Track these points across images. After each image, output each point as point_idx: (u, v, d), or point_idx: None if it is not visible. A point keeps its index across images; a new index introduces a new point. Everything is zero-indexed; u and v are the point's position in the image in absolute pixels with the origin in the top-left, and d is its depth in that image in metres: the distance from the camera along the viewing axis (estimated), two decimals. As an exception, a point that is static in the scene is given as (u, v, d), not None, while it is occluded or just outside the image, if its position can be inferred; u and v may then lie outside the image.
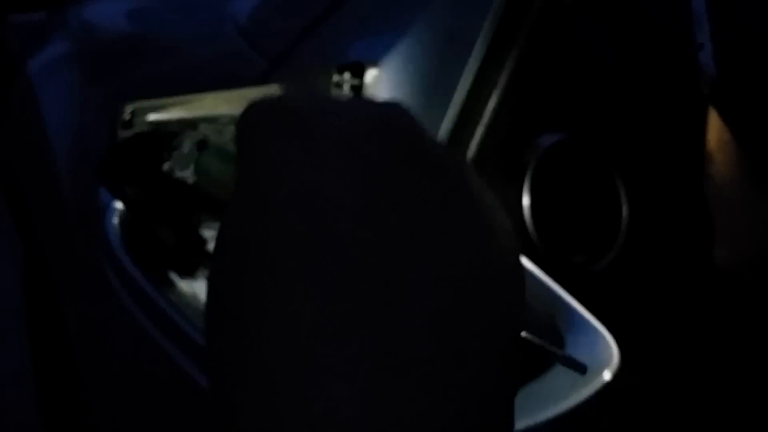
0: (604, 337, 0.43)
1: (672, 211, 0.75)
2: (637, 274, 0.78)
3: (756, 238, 0.50)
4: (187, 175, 0.59)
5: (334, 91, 0.66)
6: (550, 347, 0.37)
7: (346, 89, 0.67)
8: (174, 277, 0.58)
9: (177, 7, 1.07)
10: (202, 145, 0.59)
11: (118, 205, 0.70)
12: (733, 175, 0.49)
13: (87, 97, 1.15)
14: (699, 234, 0.58)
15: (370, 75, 0.67)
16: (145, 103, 0.56)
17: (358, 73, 0.67)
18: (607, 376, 0.41)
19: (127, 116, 0.55)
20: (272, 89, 0.66)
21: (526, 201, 0.79)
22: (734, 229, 0.51)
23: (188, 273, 0.49)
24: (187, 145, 0.57)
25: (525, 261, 0.49)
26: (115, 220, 0.70)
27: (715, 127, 0.50)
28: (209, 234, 0.50)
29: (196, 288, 0.41)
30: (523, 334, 0.35)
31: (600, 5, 0.76)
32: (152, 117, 0.57)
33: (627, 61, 0.76)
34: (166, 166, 0.55)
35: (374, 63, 0.68)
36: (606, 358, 0.42)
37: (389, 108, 0.23)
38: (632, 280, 0.77)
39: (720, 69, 0.43)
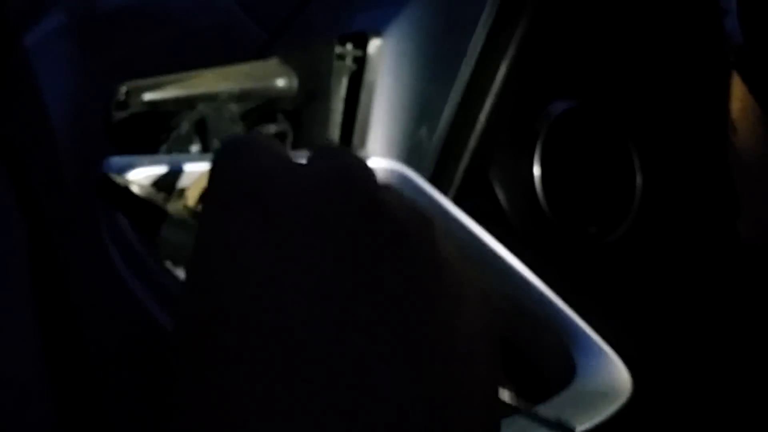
0: (616, 364, 0.41)
1: (691, 181, 0.72)
2: (653, 246, 0.76)
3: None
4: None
5: (337, 63, 0.64)
6: (536, 413, 0.35)
7: (349, 61, 0.64)
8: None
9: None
10: (200, 125, 0.56)
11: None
12: (757, 145, 0.47)
13: (85, 68, 1.13)
14: (721, 206, 0.56)
15: (373, 46, 0.64)
16: (141, 83, 0.54)
17: (361, 44, 0.64)
18: (618, 404, 0.40)
19: (122, 96, 0.53)
20: (272, 63, 0.64)
21: (536, 171, 0.76)
22: (759, 201, 0.49)
23: None
24: (184, 126, 0.55)
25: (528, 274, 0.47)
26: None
27: (739, 95, 0.47)
28: None
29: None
30: (508, 399, 0.34)
31: None
32: (148, 96, 0.54)
33: (644, 25, 0.73)
34: (162, 149, 0.53)
35: (377, 33, 0.65)
36: (618, 387, 0.40)
37: (348, 171, 0.22)
38: (648, 253, 0.75)
39: (746, 36, 0.40)
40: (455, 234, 0.49)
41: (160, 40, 0.97)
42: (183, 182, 0.42)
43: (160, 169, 0.41)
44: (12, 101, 1.33)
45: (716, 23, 0.41)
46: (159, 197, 0.38)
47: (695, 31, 0.61)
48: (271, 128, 0.63)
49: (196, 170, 0.42)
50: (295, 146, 0.64)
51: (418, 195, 0.52)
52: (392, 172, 0.53)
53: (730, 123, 0.48)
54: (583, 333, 0.42)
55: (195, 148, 0.56)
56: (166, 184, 0.42)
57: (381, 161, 0.54)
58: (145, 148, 0.54)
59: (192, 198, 0.41)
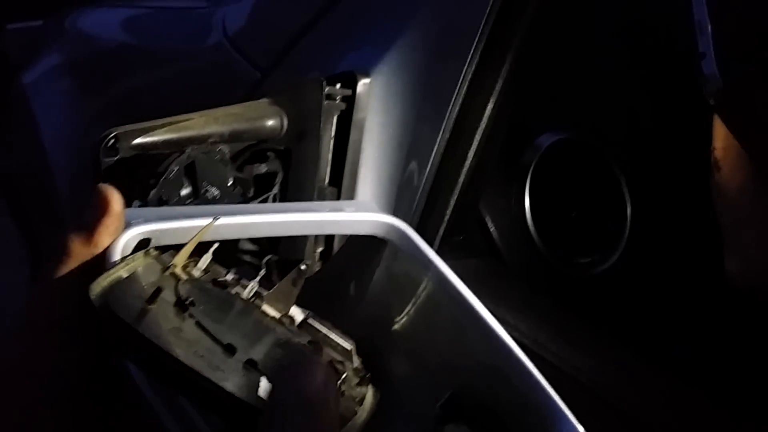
0: None
1: (679, 214, 0.73)
2: (643, 275, 0.76)
3: (766, 250, 0.48)
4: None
5: (326, 103, 0.64)
6: None
7: (338, 100, 0.65)
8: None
9: (170, 17, 1.06)
10: (190, 168, 0.57)
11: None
12: (740, 185, 0.47)
13: (81, 106, 1.14)
14: (708, 242, 0.56)
15: (362, 85, 0.65)
16: (129, 128, 0.55)
17: (350, 83, 0.65)
18: None
19: (110, 142, 0.53)
20: (262, 104, 0.65)
21: (527, 203, 0.77)
22: (743, 240, 0.49)
23: None
24: (174, 170, 0.55)
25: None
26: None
27: (721, 135, 0.48)
28: None
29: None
30: None
31: (597, 12, 0.74)
32: (137, 141, 0.55)
33: (627, 66, 0.74)
34: (152, 194, 0.53)
35: (365, 73, 0.66)
36: None
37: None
38: (636, 284, 0.76)
39: (724, 78, 0.41)
40: (446, 296, 0.49)
41: (156, 79, 0.98)
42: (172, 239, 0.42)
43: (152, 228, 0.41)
44: (10, 137, 1.34)
45: (694, 67, 0.42)
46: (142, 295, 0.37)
47: (674, 73, 0.62)
48: (262, 168, 0.64)
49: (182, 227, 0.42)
50: (285, 185, 0.65)
51: (412, 251, 0.52)
52: (389, 227, 0.54)
53: (713, 161, 0.49)
54: (567, 420, 0.42)
55: (185, 191, 0.57)
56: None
57: (378, 216, 0.54)
58: (136, 191, 0.54)
59: (180, 262, 0.42)
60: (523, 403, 0.44)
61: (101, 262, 0.38)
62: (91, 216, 0.40)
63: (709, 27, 0.40)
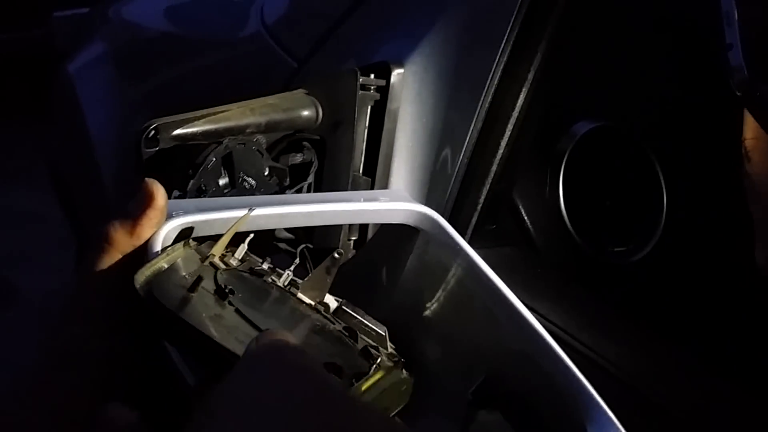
0: None
1: (715, 203, 0.72)
2: (677, 266, 0.76)
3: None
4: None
5: (361, 93, 0.65)
6: None
7: (372, 90, 0.66)
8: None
9: (211, 6, 1.08)
10: (227, 158, 0.58)
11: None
12: (771, 176, 0.47)
13: (124, 94, 1.17)
14: (740, 231, 0.56)
15: (396, 75, 0.66)
16: (169, 119, 0.56)
17: (384, 73, 0.66)
18: None
19: (150, 133, 0.55)
20: (297, 94, 0.66)
21: (561, 191, 0.77)
22: (774, 230, 0.49)
23: None
24: (211, 160, 0.57)
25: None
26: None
27: (751, 125, 0.48)
28: None
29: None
30: None
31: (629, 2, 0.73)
32: (176, 132, 0.56)
33: (661, 54, 0.73)
34: (191, 184, 0.55)
35: (399, 63, 0.66)
36: None
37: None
38: (672, 273, 0.75)
39: (750, 69, 0.41)
40: (476, 283, 0.50)
41: (195, 68, 1.00)
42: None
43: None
44: (57, 126, 1.38)
45: (722, 58, 0.42)
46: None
47: (703, 65, 0.61)
48: (297, 158, 0.65)
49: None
50: (320, 174, 0.66)
51: (444, 239, 0.53)
52: (421, 216, 0.55)
53: (744, 151, 0.49)
54: (596, 404, 0.42)
55: (222, 181, 0.58)
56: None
57: (410, 205, 0.55)
58: (175, 181, 0.56)
59: (218, 252, 0.43)
60: (554, 389, 0.44)
61: (143, 253, 0.40)
62: (136, 208, 0.41)
63: (737, 18, 0.40)
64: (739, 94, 0.41)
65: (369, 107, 0.66)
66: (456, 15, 0.66)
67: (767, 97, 0.40)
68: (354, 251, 0.65)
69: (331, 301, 0.51)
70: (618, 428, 0.41)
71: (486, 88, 0.65)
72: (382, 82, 0.66)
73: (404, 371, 0.49)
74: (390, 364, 0.48)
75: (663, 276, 0.76)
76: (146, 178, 0.44)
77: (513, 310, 0.48)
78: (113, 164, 1.12)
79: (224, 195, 0.59)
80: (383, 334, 0.50)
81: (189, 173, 0.55)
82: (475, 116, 0.66)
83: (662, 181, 0.80)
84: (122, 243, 0.40)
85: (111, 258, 0.40)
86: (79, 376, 0.38)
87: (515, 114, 0.67)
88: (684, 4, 0.69)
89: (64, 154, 1.37)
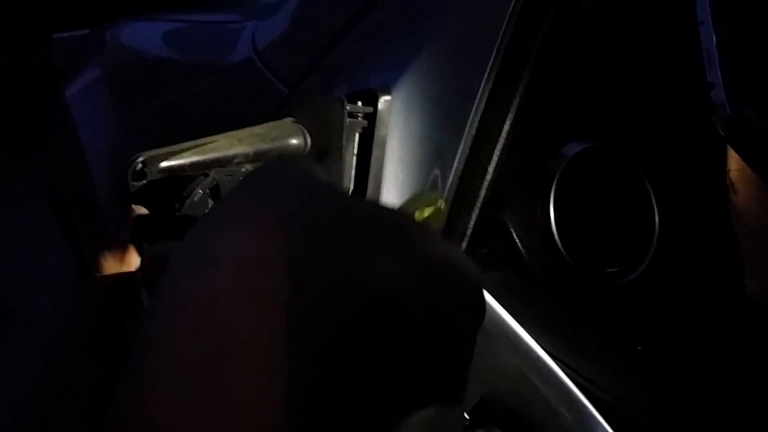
0: None
1: (707, 224, 0.72)
2: (671, 285, 0.75)
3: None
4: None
5: (348, 121, 0.65)
6: None
7: (360, 118, 0.66)
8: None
9: (204, 31, 1.08)
10: (214, 190, 0.59)
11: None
12: (755, 206, 0.47)
13: (119, 116, 1.17)
14: (729, 259, 0.56)
15: (383, 102, 0.66)
16: (156, 152, 0.57)
17: (371, 100, 0.66)
18: None
19: (138, 166, 0.55)
20: (285, 123, 0.66)
21: (552, 213, 0.77)
22: (760, 259, 0.49)
23: None
24: (198, 193, 0.57)
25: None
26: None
27: (734, 157, 0.47)
28: None
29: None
30: None
31: (611, 32, 0.73)
32: (163, 165, 0.57)
33: (649, 79, 0.73)
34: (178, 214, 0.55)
35: (386, 90, 0.67)
36: None
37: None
38: (666, 292, 0.75)
39: (732, 108, 0.41)
40: None
41: (188, 92, 1.00)
42: None
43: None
44: (56, 144, 1.39)
45: (703, 96, 0.42)
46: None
47: (685, 102, 0.61)
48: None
49: None
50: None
51: None
52: None
53: (729, 182, 0.49)
54: (595, 420, 0.42)
55: (209, 213, 0.59)
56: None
57: None
58: (162, 214, 0.56)
59: None
60: (551, 408, 0.44)
61: (130, 278, 0.42)
62: (124, 236, 0.43)
63: (717, 57, 0.40)
64: (721, 131, 0.41)
65: (357, 134, 0.67)
66: (442, 42, 0.66)
67: (750, 135, 0.40)
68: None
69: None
70: None
71: (473, 113, 0.65)
72: (370, 109, 0.66)
73: None
74: None
75: (655, 297, 0.76)
76: (133, 206, 0.45)
77: (507, 329, 0.48)
78: (108, 183, 1.12)
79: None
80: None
81: (176, 206, 0.55)
82: (463, 141, 0.66)
83: (654, 201, 0.80)
84: (112, 271, 0.42)
85: (102, 287, 0.41)
86: (73, 407, 0.38)
87: (502, 138, 0.67)
88: (665, 42, 0.69)
89: (62, 177, 1.38)
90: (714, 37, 0.41)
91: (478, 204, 0.68)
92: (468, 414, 0.50)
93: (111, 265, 0.42)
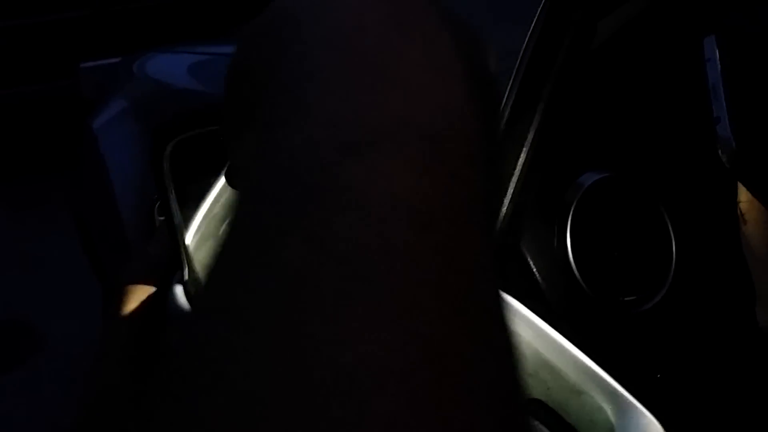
0: (652, 423, 0.43)
1: (723, 252, 0.72)
2: (689, 314, 0.76)
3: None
4: None
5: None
6: None
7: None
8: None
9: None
10: None
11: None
12: (765, 236, 0.48)
13: (144, 147, 1.20)
14: (741, 289, 0.56)
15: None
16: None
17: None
18: None
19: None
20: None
21: (569, 242, 0.78)
22: (772, 291, 0.49)
23: None
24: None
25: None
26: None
27: (744, 189, 0.48)
28: None
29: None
30: None
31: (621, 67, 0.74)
32: None
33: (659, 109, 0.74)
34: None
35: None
36: None
37: None
38: (684, 321, 0.75)
39: (738, 142, 0.42)
40: None
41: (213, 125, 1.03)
42: None
43: None
44: (82, 178, 1.42)
45: (710, 129, 0.43)
46: None
47: (692, 136, 0.62)
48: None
49: None
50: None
51: None
52: None
53: (739, 213, 0.49)
54: (619, 394, 0.43)
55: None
56: None
57: None
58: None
59: None
60: (575, 388, 0.45)
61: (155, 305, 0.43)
62: (153, 250, 0.46)
63: (723, 93, 0.41)
64: (727, 164, 0.42)
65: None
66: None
67: (756, 168, 0.41)
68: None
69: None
70: (636, 406, 0.42)
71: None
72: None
73: None
74: None
75: (673, 325, 0.76)
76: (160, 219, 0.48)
77: (526, 317, 0.49)
78: (135, 217, 1.15)
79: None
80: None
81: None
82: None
83: (671, 230, 0.80)
84: (142, 286, 0.43)
85: (133, 301, 0.42)
86: (116, 422, 0.39)
87: (518, 169, 0.68)
88: (672, 77, 0.70)
89: (89, 206, 1.41)
90: (720, 74, 0.42)
91: (496, 231, 0.69)
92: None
93: (140, 280, 0.44)
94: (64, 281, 2.34)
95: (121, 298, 0.43)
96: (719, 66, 0.43)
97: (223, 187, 0.49)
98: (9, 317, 2.28)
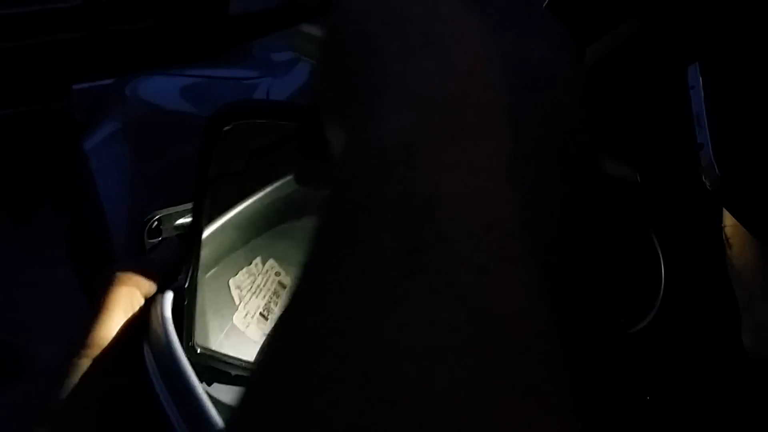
0: None
1: (707, 279, 0.73)
2: (674, 337, 0.76)
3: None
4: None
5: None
6: None
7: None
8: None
9: (220, 86, 1.12)
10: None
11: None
12: (750, 262, 0.48)
13: (135, 169, 1.21)
14: (728, 313, 0.57)
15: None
16: (171, 210, 0.59)
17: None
18: None
19: (154, 224, 0.58)
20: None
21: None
22: (757, 314, 0.50)
23: None
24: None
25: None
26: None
27: (728, 214, 0.49)
28: None
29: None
30: None
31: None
32: (179, 222, 0.59)
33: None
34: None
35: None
36: None
37: None
38: (670, 344, 0.76)
39: (721, 168, 0.42)
40: None
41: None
42: None
43: None
44: (73, 198, 1.42)
45: (693, 157, 0.43)
46: None
47: (677, 161, 0.63)
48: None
49: None
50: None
51: None
52: None
53: (724, 238, 0.50)
54: None
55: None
56: None
57: None
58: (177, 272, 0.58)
59: None
60: None
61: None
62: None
63: (706, 120, 0.42)
64: (710, 190, 0.43)
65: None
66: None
67: (738, 194, 0.42)
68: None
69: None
70: None
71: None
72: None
73: None
74: None
75: (661, 348, 0.76)
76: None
77: None
78: (125, 239, 1.15)
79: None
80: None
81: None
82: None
83: (660, 254, 0.81)
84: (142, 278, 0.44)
85: (121, 296, 0.43)
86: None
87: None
88: (657, 103, 0.71)
89: (79, 228, 1.41)
90: (703, 102, 0.43)
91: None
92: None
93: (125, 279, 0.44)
94: (54, 304, 2.32)
95: (107, 285, 0.41)
96: (702, 93, 0.43)
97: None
98: (-3, 340, 2.27)
